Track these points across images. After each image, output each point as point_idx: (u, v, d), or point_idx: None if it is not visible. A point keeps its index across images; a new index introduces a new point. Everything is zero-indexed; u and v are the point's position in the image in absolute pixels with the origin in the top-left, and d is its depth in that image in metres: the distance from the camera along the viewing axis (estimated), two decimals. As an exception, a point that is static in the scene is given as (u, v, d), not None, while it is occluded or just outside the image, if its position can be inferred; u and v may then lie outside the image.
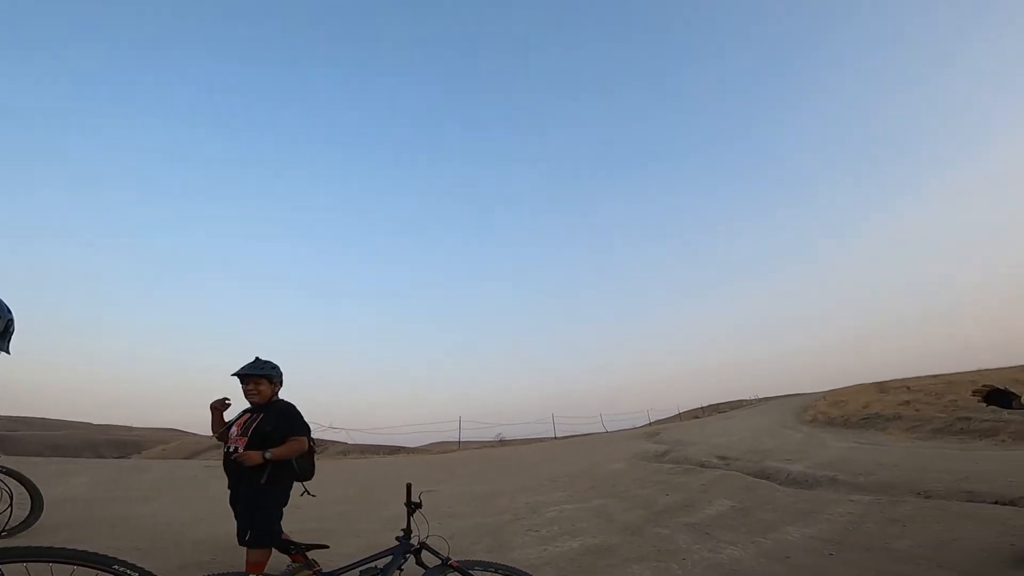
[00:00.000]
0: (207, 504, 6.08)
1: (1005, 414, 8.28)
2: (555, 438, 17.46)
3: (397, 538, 2.94)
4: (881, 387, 25.48)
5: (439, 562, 2.90)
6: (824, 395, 27.48)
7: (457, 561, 2.96)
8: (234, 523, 2.92)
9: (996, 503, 2.87)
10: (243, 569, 2.70)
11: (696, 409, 34.10)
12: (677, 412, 33.36)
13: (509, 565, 3.11)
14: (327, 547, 2.95)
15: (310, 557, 2.83)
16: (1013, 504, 2.66)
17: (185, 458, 17.50)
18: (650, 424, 24.95)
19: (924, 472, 5.17)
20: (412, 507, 3.03)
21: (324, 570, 2.70)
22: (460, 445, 16.34)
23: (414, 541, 2.97)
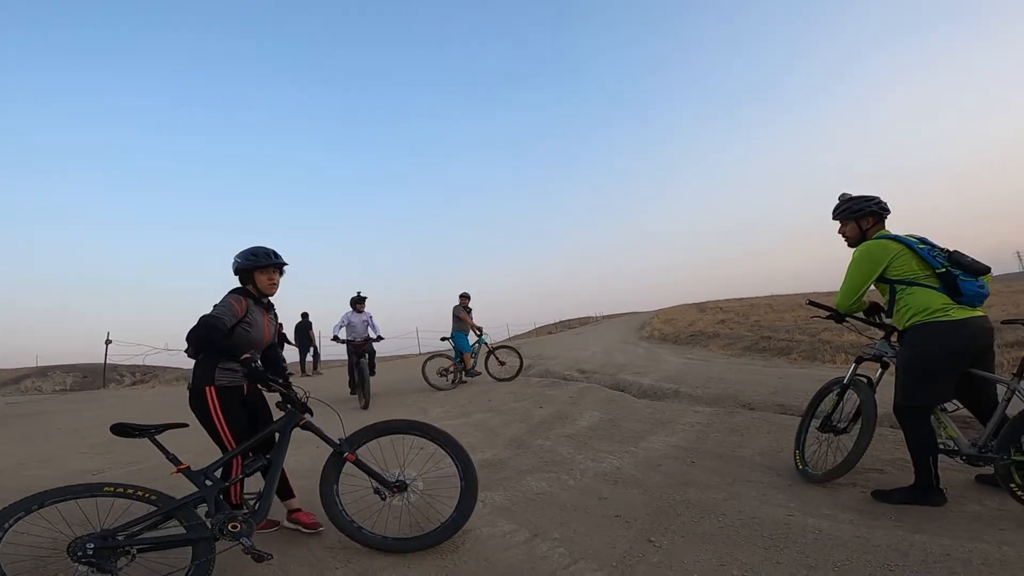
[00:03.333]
0: (22, 448, 5.07)
1: (797, 335, 10.35)
2: (420, 354, 17.67)
3: (278, 404, 2.56)
4: (700, 307, 30.13)
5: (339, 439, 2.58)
6: (656, 314, 31.77)
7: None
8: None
9: (803, 415, 3.49)
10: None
11: (549, 325, 37.11)
12: (534, 327, 35.99)
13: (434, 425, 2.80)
14: (186, 425, 2.44)
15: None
16: (817, 418, 3.27)
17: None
18: (509, 338, 26.55)
19: (745, 386, 6.29)
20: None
21: (194, 468, 2.29)
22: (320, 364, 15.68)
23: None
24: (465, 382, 8.67)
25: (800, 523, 2.47)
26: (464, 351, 8.54)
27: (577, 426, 5.09)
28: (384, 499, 2.60)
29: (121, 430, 2.23)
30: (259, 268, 2.68)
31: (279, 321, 3.08)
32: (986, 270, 2.53)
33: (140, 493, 2.19)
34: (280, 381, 2.51)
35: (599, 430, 4.86)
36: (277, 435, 2.54)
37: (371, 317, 8.25)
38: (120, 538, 2.05)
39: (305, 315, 13.39)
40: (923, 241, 2.68)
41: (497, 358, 8.84)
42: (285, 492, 2.83)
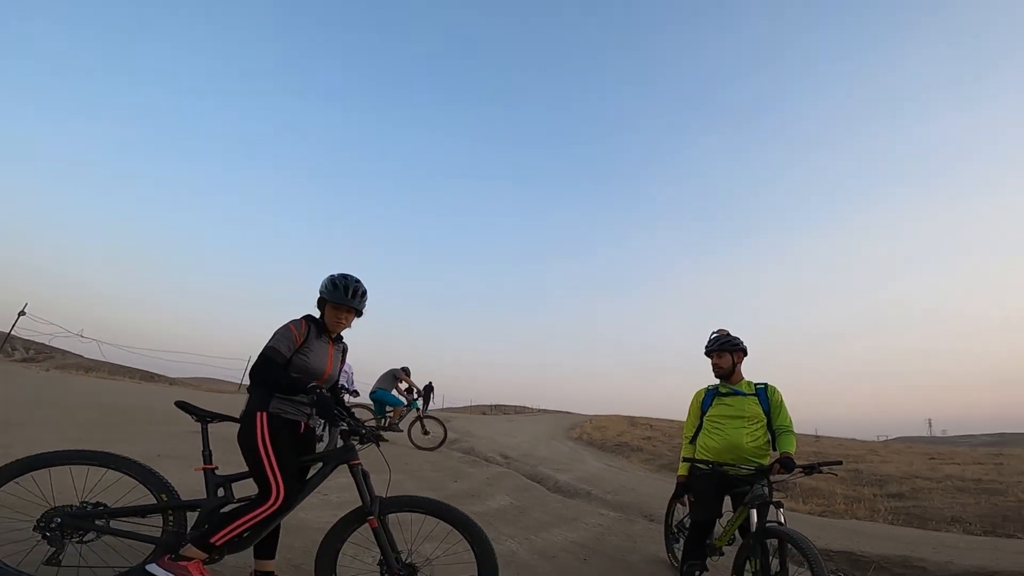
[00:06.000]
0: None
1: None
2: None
3: (341, 434, 2.22)
4: (632, 421, 30.57)
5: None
6: (590, 419, 31.94)
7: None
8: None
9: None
10: None
11: (484, 406, 36.58)
12: (469, 404, 35.35)
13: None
14: (239, 420, 2.16)
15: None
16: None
17: None
18: (443, 410, 25.98)
19: (652, 498, 6.52)
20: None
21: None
22: (241, 388, 14.95)
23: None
24: (384, 439, 8.56)
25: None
26: (395, 405, 8.50)
27: (486, 506, 5.13)
28: None
29: (184, 407, 2.19)
30: (333, 303, 2.37)
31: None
32: None
33: (154, 479, 2.07)
34: (347, 413, 2.25)
35: (506, 513, 4.92)
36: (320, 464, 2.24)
37: (351, 371, 7.03)
38: (98, 523, 1.92)
39: None
40: None
41: (423, 426, 8.77)
42: (266, 547, 2.29)
